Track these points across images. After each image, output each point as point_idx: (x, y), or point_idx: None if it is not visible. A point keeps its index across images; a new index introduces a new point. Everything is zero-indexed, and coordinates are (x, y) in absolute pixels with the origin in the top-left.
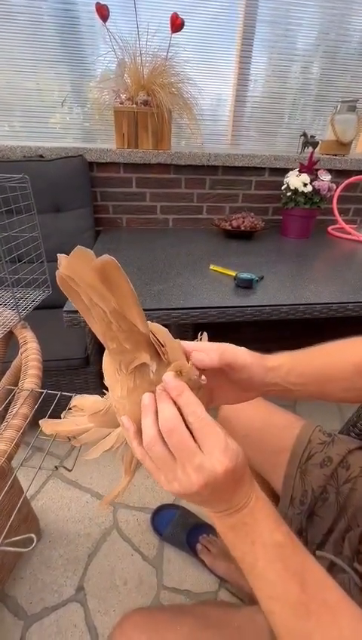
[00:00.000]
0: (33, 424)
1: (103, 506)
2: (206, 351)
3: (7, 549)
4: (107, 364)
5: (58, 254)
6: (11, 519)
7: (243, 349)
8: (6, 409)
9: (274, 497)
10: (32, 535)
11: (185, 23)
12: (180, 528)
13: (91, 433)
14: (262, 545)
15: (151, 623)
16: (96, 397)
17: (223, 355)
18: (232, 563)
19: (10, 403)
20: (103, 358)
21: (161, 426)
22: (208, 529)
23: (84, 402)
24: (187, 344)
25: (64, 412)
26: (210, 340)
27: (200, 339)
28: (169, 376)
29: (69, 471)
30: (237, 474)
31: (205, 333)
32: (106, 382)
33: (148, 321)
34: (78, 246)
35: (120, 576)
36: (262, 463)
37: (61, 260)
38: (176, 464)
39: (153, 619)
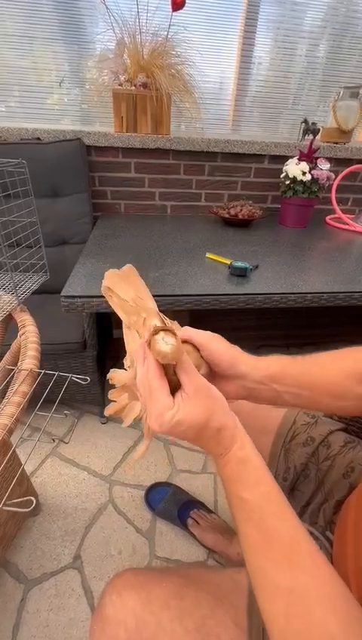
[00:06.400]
0: (30, 404)
1: (129, 467)
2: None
3: (10, 509)
4: (127, 335)
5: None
6: (12, 485)
7: (231, 345)
8: (7, 386)
9: None
10: (32, 498)
11: (186, 1)
12: (172, 504)
13: (128, 409)
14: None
15: (140, 580)
16: (127, 372)
17: (209, 342)
18: (221, 536)
19: (9, 382)
20: (123, 331)
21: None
22: (198, 505)
23: (116, 375)
24: (186, 328)
25: (110, 390)
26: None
27: None
28: (144, 344)
29: (66, 443)
30: (183, 436)
31: None
32: (128, 354)
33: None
34: (110, 269)
35: (115, 546)
36: None
37: (105, 275)
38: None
39: (142, 577)
